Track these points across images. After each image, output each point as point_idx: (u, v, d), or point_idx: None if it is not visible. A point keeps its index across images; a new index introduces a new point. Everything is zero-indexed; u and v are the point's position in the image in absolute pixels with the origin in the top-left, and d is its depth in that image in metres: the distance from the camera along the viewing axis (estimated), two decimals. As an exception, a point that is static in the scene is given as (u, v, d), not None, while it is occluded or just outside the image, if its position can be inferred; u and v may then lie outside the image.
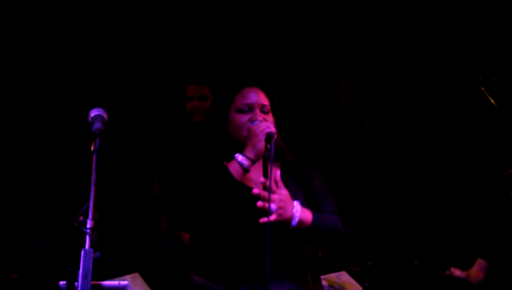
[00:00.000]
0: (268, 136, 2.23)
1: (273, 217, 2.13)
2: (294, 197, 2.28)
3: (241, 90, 2.41)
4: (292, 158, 2.49)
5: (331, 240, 2.34)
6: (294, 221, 2.20)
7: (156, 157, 3.67)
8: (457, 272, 3.38)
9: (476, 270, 3.33)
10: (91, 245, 1.87)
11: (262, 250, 2.11)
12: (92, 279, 1.85)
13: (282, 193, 2.21)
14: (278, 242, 2.25)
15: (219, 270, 2.26)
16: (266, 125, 2.26)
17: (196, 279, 2.31)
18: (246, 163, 2.25)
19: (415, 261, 3.44)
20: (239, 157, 2.25)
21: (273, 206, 2.15)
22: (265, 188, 2.17)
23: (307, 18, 4.43)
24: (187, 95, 3.66)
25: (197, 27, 4.41)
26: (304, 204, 2.32)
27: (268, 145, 2.23)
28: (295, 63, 4.50)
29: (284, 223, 2.20)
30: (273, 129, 2.26)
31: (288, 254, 2.32)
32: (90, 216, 1.90)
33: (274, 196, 2.17)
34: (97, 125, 2.06)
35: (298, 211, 2.21)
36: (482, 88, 3.31)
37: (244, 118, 2.35)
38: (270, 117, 2.40)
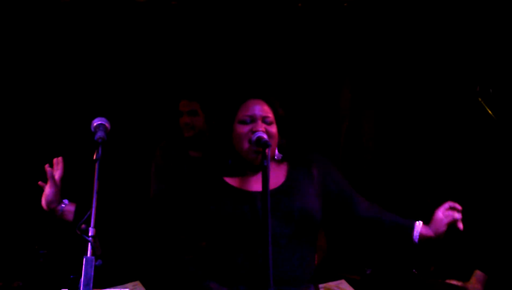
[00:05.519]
0: (259, 141, 2.25)
1: None
2: (304, 191, 2.32)
3: (244, 102, 2.42)
4: (300, 154, 2.51)
5: None
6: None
7: (153, 164, 3.70)
8: (454, 283, 3.34)
9: (474, 283, 3.26)
10: (93, 253, 1.90)
11: (265, 255, 2.13)
12: (94, 287, 1.87)
13: None
14: (283, 249, 2.28)
15: (226, 274, 2.27)
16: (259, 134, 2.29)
17: (210, 285, 2.33)
18: None
19: (414, 270, 3.45)
20: None
21: None
22: None
23: (306, 27, 4.45)
24: (179, 110, 3.68)
25: (195, 41, 4.44)
26: (314, 197, 2.35)
27: (266, 150, 2.23)
28: (295, 71, 4.51)
29: None
30: (265, 136, 2.27)
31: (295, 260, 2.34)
32: (92, 224, 1.93)
33: None
34: (100, 134, 2.09)
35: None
36: (480, 99, 3.33)
37: (245, 128, 2.35)
38: (273, 128, 2.41)
